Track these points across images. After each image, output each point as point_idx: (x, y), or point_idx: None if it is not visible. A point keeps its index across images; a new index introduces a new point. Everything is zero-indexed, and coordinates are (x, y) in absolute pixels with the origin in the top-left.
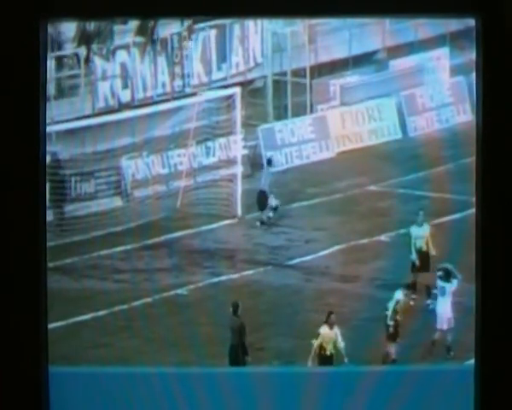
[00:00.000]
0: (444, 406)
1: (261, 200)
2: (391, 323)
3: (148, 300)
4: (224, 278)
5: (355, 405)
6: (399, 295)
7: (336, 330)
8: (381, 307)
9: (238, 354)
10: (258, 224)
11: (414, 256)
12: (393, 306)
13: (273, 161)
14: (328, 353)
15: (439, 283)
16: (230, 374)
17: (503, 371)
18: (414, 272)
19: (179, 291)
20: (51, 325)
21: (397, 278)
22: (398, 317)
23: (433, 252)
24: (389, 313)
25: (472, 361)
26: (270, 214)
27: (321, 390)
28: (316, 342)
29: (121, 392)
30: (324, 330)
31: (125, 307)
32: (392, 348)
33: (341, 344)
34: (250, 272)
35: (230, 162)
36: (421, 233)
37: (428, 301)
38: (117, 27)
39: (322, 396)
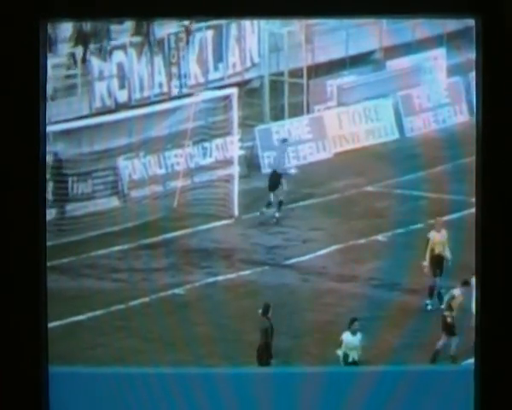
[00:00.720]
0: (444, 406)
1: (273, 180)
2: (446, 313)
3: (146, 299)
4: (220, 277)
5: (354, 405)
6: (457, 291)
7: (359, 336)
8: (377, 306)
9: (263, 356)
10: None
11: (427, 262)
12: (448, 299)
13: (288, 140)
14: (350, 360)
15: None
16: (227, 374)
17: (503, 371)
18: (435, 276)
19: (176, 291)
20: (49, 325)
21: (394, 278)
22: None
23: (448, 256)
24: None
25: (472, 361)
26: (277, 214)
27: (319, 390)
28: (340, 352)
29: (119, 392)
30: (347, 337)
31: (122, 306)
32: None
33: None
34: (247, 271)
35: (227, 163)
36: (439, 239)
37: (427, 302)
38: (114, 27)
39: (321, 396)
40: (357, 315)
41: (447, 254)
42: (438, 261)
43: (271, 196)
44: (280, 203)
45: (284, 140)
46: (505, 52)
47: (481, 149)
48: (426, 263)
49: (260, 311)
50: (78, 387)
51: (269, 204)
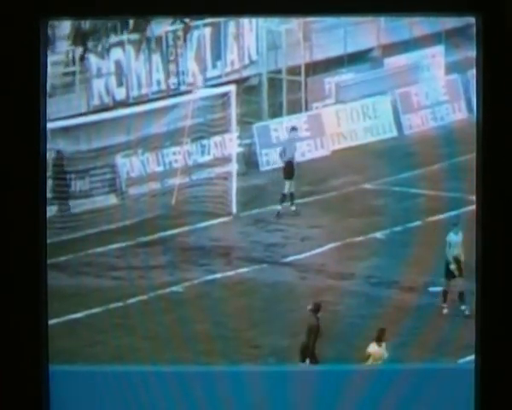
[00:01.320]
0: (444, 406)
1: (288, 170)
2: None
3: (144, 297)
4: (219, 275)
5: (352, 403)
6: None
7: (384, 345)
8: (376, 304)
9: (303, 354)
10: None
11: (452, 266)
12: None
13: (297, 128)
14: None
15: None
16: (226, 372)
17: (504, 371)
18: (449, 279)
19: (174, 289)
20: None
21: (392, 276)
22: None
23: (462, 257)
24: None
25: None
26: (288, 204)
27: (317, 389)
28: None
29: (117, 390)
30: (373, 348)
31: (120, 304)
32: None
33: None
34: (245, 269)
35: (225, 160)
36: (457, 240)
37: (463, 307)
38: (112, 25)
39: (319, 395)
40: (355, 313)
41: (461, 254)
42: (456, 263)
43: (286, 188)
44: (292, 195)
45: (293, 128)
46: (506, 50)
47: (482, 147)
48: (453, 266)
49: (310, 308)
50: (78, 385)
51: (291, 197)
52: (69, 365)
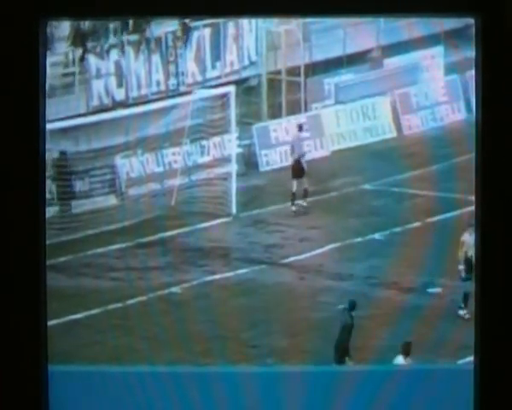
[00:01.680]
0: (443, 406)
1: (297, 169)
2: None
3: (143, 298)
4: (217, 276)
5: (351, 405)
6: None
7: (410, 361)
8: (374, 304)
9: (338, 352)
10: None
11: (461, 266)
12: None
13: (303, 126)
14: None
15: None
16: (224, 373)
17: (503, 372)
18: (465, 281)
19: (173, 290)
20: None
21: (391, 277)
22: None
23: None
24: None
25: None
26: (301, 202)
27: (316, 390)
28: None
29: (115, 390)
30: (399, 361)
31: (119, 305)
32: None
33: None
34: (244, 270)
35: (225, 161)
36: (471, 241)
37: (464, 311)
38: (111, 25)
39: (318, 396)
40: (354, 313)
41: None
42: (469, 264)
43: (294, 186)
44: (305, 192)
45: (300, 126)
46: (505, 51)
47: (481, 147)
48: (462, 266)
49: (344, 307)
50: (76, 385)
51: (293, 195)
52: (68, 365)
